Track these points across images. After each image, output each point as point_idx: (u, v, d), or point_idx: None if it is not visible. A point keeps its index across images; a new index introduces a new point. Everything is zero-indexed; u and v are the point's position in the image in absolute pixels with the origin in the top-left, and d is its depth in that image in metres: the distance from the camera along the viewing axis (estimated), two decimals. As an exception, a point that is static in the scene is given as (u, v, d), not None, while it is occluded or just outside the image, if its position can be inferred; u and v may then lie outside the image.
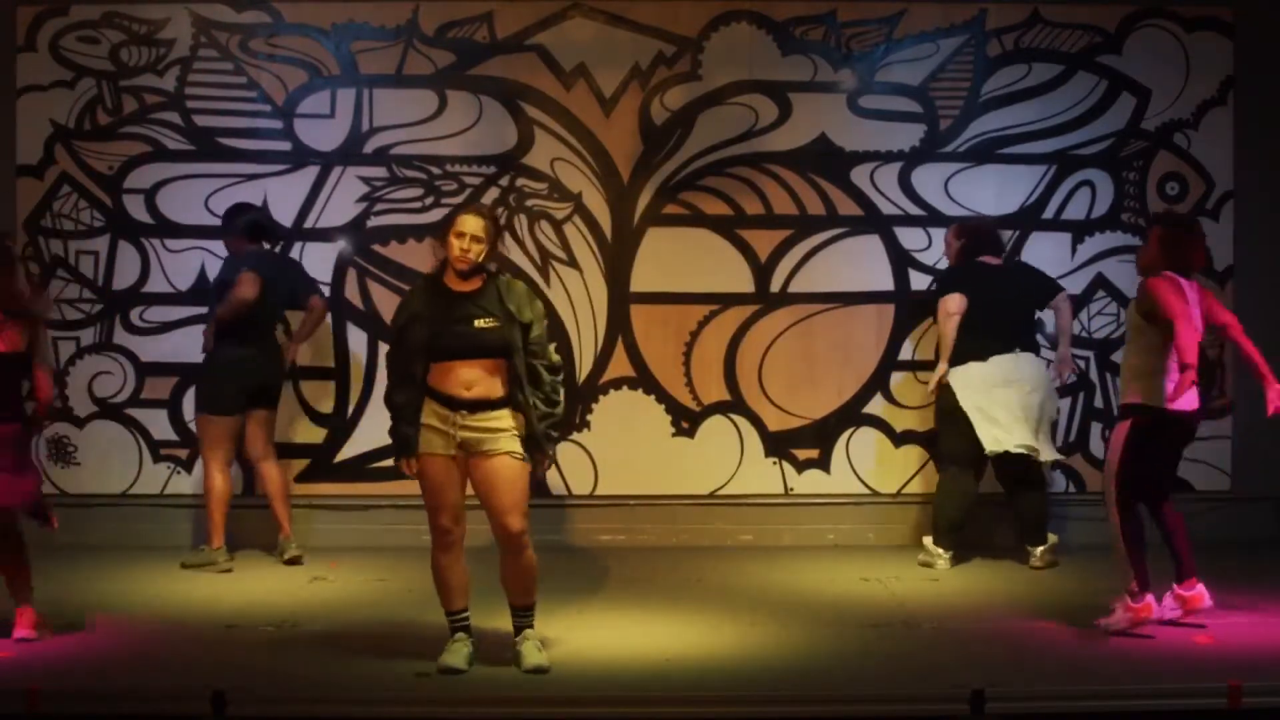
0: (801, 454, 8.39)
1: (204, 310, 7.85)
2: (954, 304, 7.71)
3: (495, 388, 5.57)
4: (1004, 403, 7.54)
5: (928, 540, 7.73)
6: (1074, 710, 5.37)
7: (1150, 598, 6.15)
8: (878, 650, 5.93)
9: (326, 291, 8.16)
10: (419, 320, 5.58)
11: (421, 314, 5.59)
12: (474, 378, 5.55)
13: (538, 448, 5.63)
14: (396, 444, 5.65)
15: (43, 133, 8.21)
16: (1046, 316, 8.06)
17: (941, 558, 7.61)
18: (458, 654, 5.65)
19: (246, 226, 7.72)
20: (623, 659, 5.81)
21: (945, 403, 7.71)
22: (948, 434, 7.75)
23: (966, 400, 7.61)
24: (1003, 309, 7.66)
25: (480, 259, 5.59)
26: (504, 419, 5.57)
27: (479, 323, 5.55)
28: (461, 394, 5.54)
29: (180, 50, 8.24)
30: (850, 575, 7.43)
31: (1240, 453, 8.40)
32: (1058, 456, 7.81)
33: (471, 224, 5.57)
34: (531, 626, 5.78)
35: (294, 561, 7.59)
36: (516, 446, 5.58)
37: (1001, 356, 7.61)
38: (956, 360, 7.67)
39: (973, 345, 7.65)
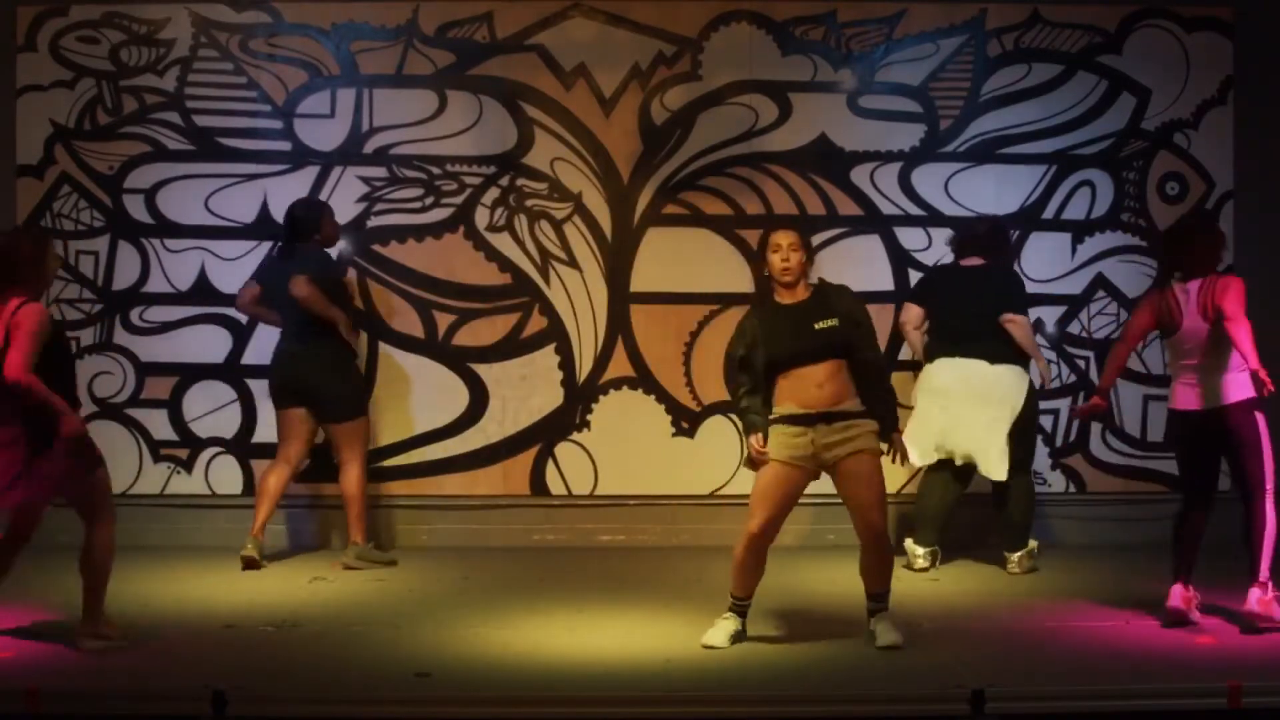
0: (801, 454, 8.38)
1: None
2: (905, 314, 7.76)
3: (845, 388, 5.88)
4: (945, 409, 7.45)
5: (908, 541, 7.70)
6: (1074, 710, 5.36)
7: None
8: (878, 650, 5.92)
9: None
10: (758, 345, 5.91)
11: (760, 338, 5.91)
12: (824, 377, 5.85)
13: (893, 429, 5.96)
14: (746, 426, 5.96)
15: (43, 133, 8.21)
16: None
17: (919, 555, 7.57)
18: (720, 630, 5.98)
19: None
20: (623, 659, 5.80)
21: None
22: None
23: (917, 403, 7.59)
24: (960, 314, 7.50)
25: (800, 267, 5.97)
26: (857, 417, 5.87)
27: (820, 324, 5.88)
28: (814, 393, 5.84)
29: (180, 50, 8.25)
30: (850, 575, 7.35)
31: (1240, 453, 8.38)
32: (999, 477, 7.40)
33: (785, 237, 6.00)
34: (886, 609, 6.03)
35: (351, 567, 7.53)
36: (873, 443, 5.89)
37: (948, 360, 7.52)
38: (926, 361, 7.68)
39: (930, 347, 7.64)
